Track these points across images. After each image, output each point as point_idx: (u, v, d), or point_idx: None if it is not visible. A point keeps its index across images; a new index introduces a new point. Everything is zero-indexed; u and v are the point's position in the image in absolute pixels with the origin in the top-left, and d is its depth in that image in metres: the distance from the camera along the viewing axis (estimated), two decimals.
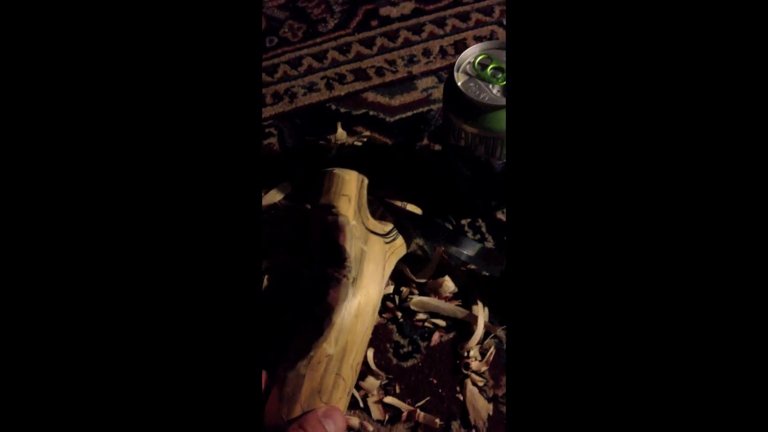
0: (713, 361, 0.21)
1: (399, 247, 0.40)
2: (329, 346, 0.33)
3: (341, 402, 0.33)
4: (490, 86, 0.36)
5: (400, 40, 0.61)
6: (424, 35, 0.61)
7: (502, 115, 0.36)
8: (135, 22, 0.23)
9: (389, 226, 0.39)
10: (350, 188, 0.37)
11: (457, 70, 0.37)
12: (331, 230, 0.36)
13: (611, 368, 0.21)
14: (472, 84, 0.37)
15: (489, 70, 0.37)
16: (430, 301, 0.41)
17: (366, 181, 0.39)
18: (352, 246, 0.35)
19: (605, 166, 0.22)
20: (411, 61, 0.59)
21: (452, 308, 0.41)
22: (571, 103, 0.22)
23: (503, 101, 0.35)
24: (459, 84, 0.36)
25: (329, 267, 0.35)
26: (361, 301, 0.34)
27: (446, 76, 0.57)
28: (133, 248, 0.22)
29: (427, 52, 0.59)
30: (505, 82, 0.36)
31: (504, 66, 0.37)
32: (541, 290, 0.22)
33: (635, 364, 0.21)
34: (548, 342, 0.22)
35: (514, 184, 0.23)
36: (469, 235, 0.46)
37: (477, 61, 0.37)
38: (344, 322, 0.33)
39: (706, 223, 0.21)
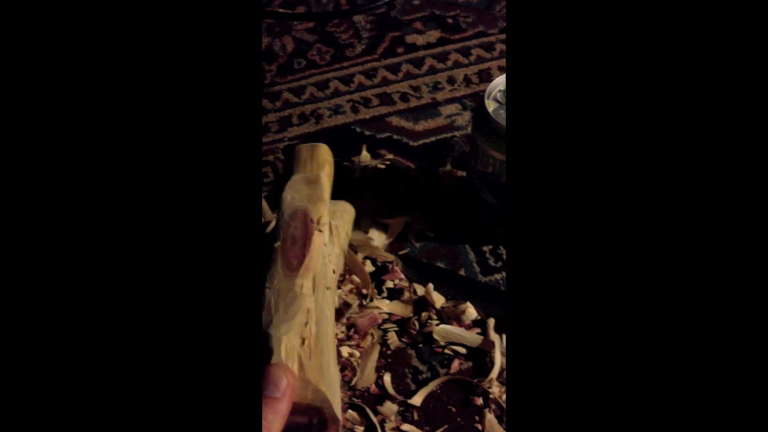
0: (714, 377, 0.20)
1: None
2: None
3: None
4: None
5: (425, 67, 0.61)
6: (449, 63, 0.62)
7: None
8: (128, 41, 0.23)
9: None
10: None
11: (488, 97, 0.37)
12: None
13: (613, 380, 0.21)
14: (501, 111, 0.37)
15: None
16: (454, 330, 0.41)
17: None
18: None
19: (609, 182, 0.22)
20: (435, 87, 0.59)
21: (474, 337, 0.40)
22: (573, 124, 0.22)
23: None
24: (490, 110, 0.36)
25: None
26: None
27: (471, 103, 0.58)
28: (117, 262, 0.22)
29: (451, 80, 0.60)
30: None
31: None
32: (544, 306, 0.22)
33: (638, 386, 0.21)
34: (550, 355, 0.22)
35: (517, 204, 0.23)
36: (491, 261, 0.45)
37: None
38: None
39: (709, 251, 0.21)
